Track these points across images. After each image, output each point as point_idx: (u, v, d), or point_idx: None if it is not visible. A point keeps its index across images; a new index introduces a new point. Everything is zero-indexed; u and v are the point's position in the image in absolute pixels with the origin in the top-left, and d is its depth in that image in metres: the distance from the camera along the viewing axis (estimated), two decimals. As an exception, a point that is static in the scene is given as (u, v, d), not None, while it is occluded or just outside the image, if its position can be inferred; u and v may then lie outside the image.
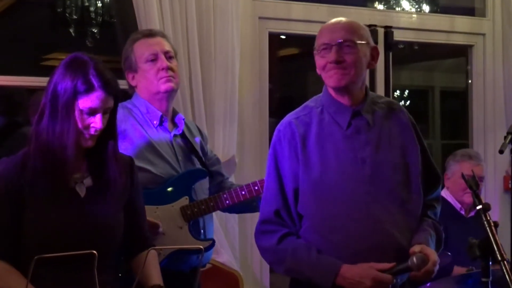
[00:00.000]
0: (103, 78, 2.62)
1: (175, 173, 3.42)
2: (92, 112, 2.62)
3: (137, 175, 2.94)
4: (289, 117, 3.04)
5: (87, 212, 2.68)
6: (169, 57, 3.46)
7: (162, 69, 3.42)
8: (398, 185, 2.97)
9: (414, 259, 2.78)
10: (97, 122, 2.63)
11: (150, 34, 3.54)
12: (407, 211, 2.98)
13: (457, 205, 4.74)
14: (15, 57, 5.36)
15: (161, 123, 3.45)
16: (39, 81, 4.58)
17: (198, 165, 3.55)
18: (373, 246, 2.87)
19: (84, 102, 2.61)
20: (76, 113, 2.62)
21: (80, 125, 2.63)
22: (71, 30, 5.11)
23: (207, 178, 3.58)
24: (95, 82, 2.60)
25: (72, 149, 2.63)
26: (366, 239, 2.87)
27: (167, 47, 3.51)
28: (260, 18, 5.10)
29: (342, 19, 3.02)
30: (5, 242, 2.63)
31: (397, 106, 3.15)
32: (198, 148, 3.59)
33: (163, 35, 3.60)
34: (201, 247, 2.58)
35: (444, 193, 4.78)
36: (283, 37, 5.88)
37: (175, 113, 3.57)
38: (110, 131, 2.74)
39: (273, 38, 5.33)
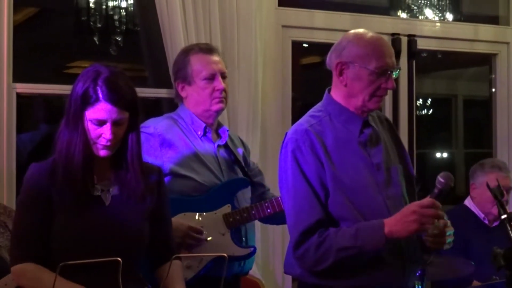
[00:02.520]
0: (110, 89, 2.63)
1: (218, 182, 3.48)
2: (100, 123, 2.64)
3: (165, 186, 2.96)
4: (301, 126, 3.00)
5: (110, 220, 2.70)
6: (223, 78, 3.54)
7: (217, 90, 3.50)
8: (404, 190, 3.05)
9: (439, 178, 2.81)
10: (106, 133, 2.65)
11: (210, 50, 3.59)
12: None
13: (481, 215, 4.70)
14: (39, 65, 5.39)
15: (205, 133, 3.52)
16: (62, 89, 4.61)
17: (240, 175, 3.60)
18: (397, 249, 2.92)
19: (91, 113, 2.64)
20: (87, 123, 2.65)
21: (91, 135, 2.66)
22: (95, 38, 5.13)
23: (249, 187, 3.63)
24: (100, 93, 2.62)
25: (80, 157, 2.66)
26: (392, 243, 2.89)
27: (223, 67, 3.59)
28: (283, 26, 5.11)
29: (380, 35, 3.06)
30: (36, 245, 2.65)
31: (382, 114, 3.26)
32: (240, 158, 3.64)
33: (219, 53, 3.65)
34: (225, 255, 2.58)
35: (468, 203, 4.75)
36: (305, 45, 5.88)
37: (219, 125, 3.63)
38: (130, 141, 2.75)
39: (296, 46, 5.33)
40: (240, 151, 3.69)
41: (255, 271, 4.63)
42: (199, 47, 3.60)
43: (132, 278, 2.73)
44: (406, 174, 3.09)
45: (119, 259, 2.19)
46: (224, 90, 3.53)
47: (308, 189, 2.89)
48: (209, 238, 3.38)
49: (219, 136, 3.59)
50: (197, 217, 3.38)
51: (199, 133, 3.51)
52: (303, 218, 2.87)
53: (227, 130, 3.64)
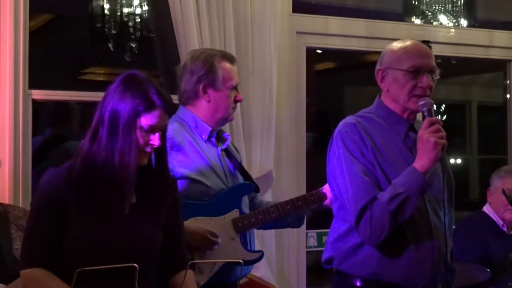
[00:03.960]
0: (163, 96, 2.66)
1: (224, 186, 3.49)
2: (152, 129, 2.65)
3: (179, 194, 2.96)
4: (350, 120, 3.12)
5: (129, 228, 2.70)
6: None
7: (237, 100, 3.57)
8: (446, 197, 3.08)
9: (419, 103, 3.00)
10: (155, 140, 2.66)
11: (232, 59, 3.62)
12: (449, 222, 3.14)
13: (499, 222, 4.68)
14: (54, 72, 5.42)
15: (209, 138, 3.51)
16: (77, 96, 4.63)
17: (241, 180, 3.62)
18: (430, 253, 3.03)
19: (146, 120, 2.63)
20: (137, 131, 2.64)
21: (140, 142, 2.65)
22: (110, 45, 5.15)
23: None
24: (156, 100, 2.63)
25: (134, 167, 2.65)
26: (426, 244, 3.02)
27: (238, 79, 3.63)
28: (297, 32, 5.11)
29: (420, 42, 3.23)
30: (47, 251, 2.65)
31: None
32: (241, 163, 3.65)
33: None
34: (241, 261, 2.59)
35: (487, 209, 4.74)
36: (319, 51, 5.89)
37: (221, 130, 3.65)
38: (163, 148, 2.76)
39: (310, 52, 5.34)
40: (238, 156, 3.72)
41: (269, 278, 4.64)
42: (222, 54, 3.61)
43: (148, 286, 2.73)
44: (448, 183, 3.13)
45: (136, 265, 2.19)
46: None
47: (361, 171, 3.00)
48: (220, 243, 3.40)
49: (222, 140, 3.61)
50: (208, 222, 3.40)
51: (203, 136, 3.50)
52: (360, 197, 2.97)
53: (229, 135, 3.67)
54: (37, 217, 2.69)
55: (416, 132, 3.06)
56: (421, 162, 2.90)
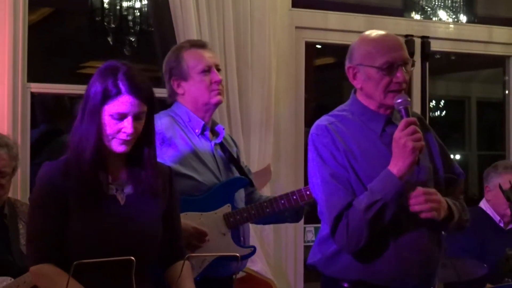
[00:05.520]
0: (131, 82, 2.63)
1: (217, 181, 3.46)
2: (121, 116, 2.63)
3: (176, 186, 2.96)
4: (322, 122, 3.04)
5: (125, 219, 2.70)
6: (218, 70, 3.52)
7: (215, 82, 3.47)
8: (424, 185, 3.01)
9: (396, 101, 2.90)
10: (127, 127, 2.63)
11: (202, 45, 3.58)
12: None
13: (496, 218, 4.69)
14: (54, 65, 5.42)
15: (202, 132, 3.49)
16: (76, 89, 4.63)
17: (236, 174, 3.58)
18: (417, 248, 2.95)
19: (112, 107, 2.63)
20: (105, 118, 2.64)
21: (109, 131, 2.64)
22: (109, 39, 5.16)
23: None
24: (122, 86, 2.62)
25: (90, 153, 2.64)
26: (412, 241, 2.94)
27: (217, 60, 3.58)
28: (296, 27, 5.11)
29: (389, 32, 3.07)
30: (51, 245, 2.65)
31: (415, 112, 3.20)
32: (236, 157, 3.63)
33: (210, 47, 3.65)
34: (238, 255, 2.59)
35: (484, 205, 4.74)
36: (319, 46, 5.88)
37: (214, 123, 3.60)
38: (147, 138, 2.75)
39: (309, 47, 5.34)
40: (234, 150, 3.68)
41: (267, 272, 4.64)
42: (190, 43, 3.59)
43: (145, 278, 2.73)
44: (435, 174, 3.07)
45: (133, 258, 2.20)
46: (221, 82, 3.51)
47: (333, 176, 2.92)
48: (210, 238, 3.37)
49: (215, 134, 3.58)
50: (198, 217, 3.37)
51: (196, 131, 3.48)
52: (334, 205, 2.90)
53: (223, 129, 3.62)
54: (38, 212, 2.70)
55: (394, 124, 2.97)
56: (398, 167, 2.81)
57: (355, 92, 3.11)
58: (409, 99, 2.92)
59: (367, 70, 2.97)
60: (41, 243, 2.67)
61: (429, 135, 3.14)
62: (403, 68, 2.96)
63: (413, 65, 3.04)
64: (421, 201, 2.84)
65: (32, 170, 4.31)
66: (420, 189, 2.85)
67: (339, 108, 3.13)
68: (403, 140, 2.79)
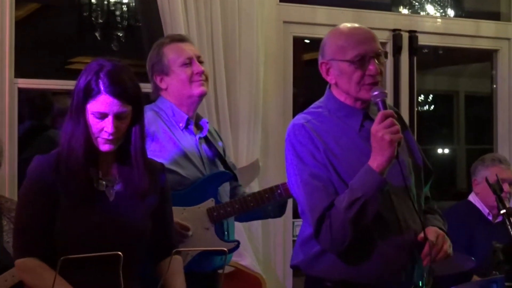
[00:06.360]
0: (112, 82, 2.63)
1: (201, 175, 3.46)
2: (102, 116, 2.64)
3: (167, 182, 2.96)
4: (298, 121, 2.99)
5: (113, 215, 2.71)
6: (200, 62, 3.51)
7: (197, 73, 3.47)
8: (412, 183, 3.02)
9: (372, 93, 2.85)
10: (107, 127, 2.64)
11: (182, 39, 3.59)
12: (420, 207, 3.03)
13: (485, 210, 4.70)
14: (41, 61, 5.41)
15: (186, 126, 3.48)
16: (64, 85, 4.62)
17: (221, 168, 3.58)
18: (400, 250, 2.92)
19: (93, 106, 2.64)
20: (89, 116, 2.65)
21: (93, 129, 2.65)
22: (97, 34, 5.15)
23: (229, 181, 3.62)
24: (102, 85, 2.62)
25: (81, 151, 2.65)
26: (392, 233, 2.91)
27: (198, 52, 3.57)
28: (284, 22, 5.11)
29: (359, 25, 3.04)
30: (38, 239, 2.65)
31: (391, 106, 3.15)
32: (221, 151, 3.62)
33: (191, 41, 3.65)
34: (225, 249, 2.59)
35: (472, 198, 4.76)
36: (307, 41, 5.88)
37: (199, 117, 3.60)
38: (135, 136, 2.75)
39: (297, 42, 5.34)
40: (220, 144, 3.68)
41: (256, 267, 4.65)
42: (170, 38, 3.60)
43: (134, 274, 2.74)
44: (414, 167, 3.07)
45: (120, 253, 2.20)
46: (204, 73, 3.50)
47: (313, 176, 2.88)
48: (193, 233, 3.36)
49: (200, 128, 3.57)
50: (181, 212, 3.37)
51: (180, 125, 3.47)
52: (316, 206, 2.86)
53: (207, 122, 3.62)
54: (26, 206, 2.70)
55: (372, 119, 2.91)
56: (377, 162, 2.75)
57: (329, 87, 3.06)
58: (385, 92, 2.89)
59: (339, 64, 2.93)
60: (27, 236, 2.67)
61: (406, 131, 3.12)
62: (376, 60, 2.91)
63: (386, 57, 3.00)
64: (429, 258, 2.83)
65: (18, 165, 4.30)
66: (427, 248, 2.83)
67: (314, 105, 3.08)
68: (381, 133, 2.74)
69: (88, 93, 2.63)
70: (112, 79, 2.63)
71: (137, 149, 2.76)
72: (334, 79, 2.98)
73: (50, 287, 2.22)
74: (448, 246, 2.90)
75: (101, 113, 2.63)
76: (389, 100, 5.39)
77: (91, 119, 2.65)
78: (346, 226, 2.79)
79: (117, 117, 2.65)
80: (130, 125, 2.73)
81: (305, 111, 3.08)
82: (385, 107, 2.83)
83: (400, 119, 3.06)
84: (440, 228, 2.99)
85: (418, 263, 2.97)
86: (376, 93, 2.85)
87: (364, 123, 2.98)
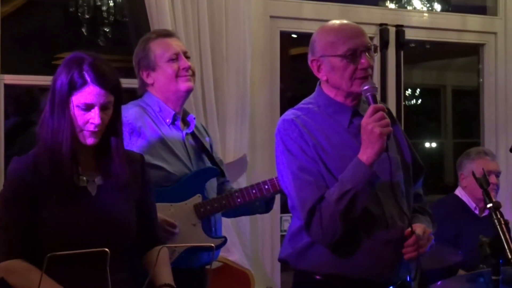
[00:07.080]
0: (97, 72, 2.62)
1: (187, 171, 3.45)
2: (88, 107, 2.63)
3: (149, 174, 2.96)
4: (288, 117, 3.00)
5: (98, 210, 2.70)
6: (187, 57, 3.50)
7: (184, 68, 3.46)
8: (401, 179, 3.03)
9: (363, 88, 2.88)
10: (94, 118, 2.63)
11: (168, 34, 3.58)
12: (408, 204, 3.06)
13: (472, 204, 4.72)
14: (27, 56, 5.39)
15: (173, 121, 3.48)
16: (50, 80, 4.59)
17: (208, 164, 3.57)
18: (386, 245, 2.92)
19: (79, 98, 2.62)
20: (73, 109, 2.64)
21: (79, 122, 2.64)
22: (83, 30, 5.13)
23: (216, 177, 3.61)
24: (88, 76, 2.61)
25: (68, 146, 2.64)
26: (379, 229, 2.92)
27: (185, 47, 3.56)
28: (271, 17, 5.10)
29: (348, 21, 3.05)
30: (21, 240, 2.64)
31: (381, 102, 3.14)
32: (208, 147, 3.62)
33: (177, 36, 3.63)
34: (213, 245, 2.58)
35: (459, 192, 4.77)
36: (294, 36, 5.88)
37: (186, 113, 3.59)
38: (114, 128, 2.74)
39: (284, 37, 5.33)
40: (207, 139, 3.68)
41: (244, 262, 4.65)
42: (157, 33, 3.59)
43: (120, 268, 2.73)
44: (403, 163, 3.08)
45: (107, 250, 2.19)
46: (191, 68, 3.49)
47: (303, 170, 2.90)
48: (180, 229, 3.36)
49: (187, 123, 3.56)
50: (168, 208, 3.36)
51: (167, 121, 3.47)
52: (306, 199, 2.88)
53: (194, 118, 3.61)
54: (9, 207, 2.68)
55: (361, 116, 2.93)
56: (367, 155, 2.79)
57: (320, 84, 3.08)
58: (376, 86, 2.91)
59: (330, 60, 2.95)
60: (10, 238, 2.65)
61: (397, 128, 3.12)
62: (366, 53, 2.94)
63: (375, 51, 3.01)
64: (411, 250, 2.86)
65: (4, 162, 4.29)
66: (413, 238, 2.86)
67: (304, 101, 3.10)
68: (371, 126, 2.77)
69: (73, 86, 2.61)
70: (97, 70, 2.63)
71: (118, 141, 2.76)
72: (325, 76, 2.99)
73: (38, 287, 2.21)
74: (428, 246, 2.94)
75: (88, 104, 2.62)
76: (377, 95, 5.40)
77: (76, 112, 2.63)
78: (336, 218, 2.82)
79: (103, 107, 2.64)
80: (111, 117, 2.72)
81: (295, 107, 3.09)
82: (375, 101, 2.86)
83: (390, 114, 3.06)
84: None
85: (405, 259, 2.97)
86: (366, 87, 2.88)
87: (353, 119, 3.00)
